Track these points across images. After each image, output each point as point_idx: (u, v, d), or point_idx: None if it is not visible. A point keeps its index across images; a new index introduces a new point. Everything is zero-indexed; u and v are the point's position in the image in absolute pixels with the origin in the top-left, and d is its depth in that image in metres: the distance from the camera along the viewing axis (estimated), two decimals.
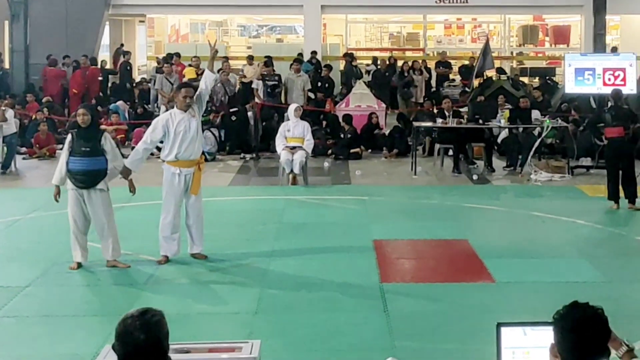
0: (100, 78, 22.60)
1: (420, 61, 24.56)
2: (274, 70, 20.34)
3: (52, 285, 8.79)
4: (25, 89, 22.03)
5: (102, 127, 17.94)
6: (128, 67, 23.18)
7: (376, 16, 29.70)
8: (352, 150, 17.16)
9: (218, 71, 19.46)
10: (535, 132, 16.01)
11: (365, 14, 29.42)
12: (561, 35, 29.96)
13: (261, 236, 10.75)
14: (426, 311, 7.91)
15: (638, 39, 25.91)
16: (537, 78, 25.42)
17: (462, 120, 15.99)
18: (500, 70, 23.99)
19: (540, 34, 30.41)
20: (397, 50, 28.86)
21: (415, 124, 17.03)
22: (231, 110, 18.04)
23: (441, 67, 24.91)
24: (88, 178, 9.10)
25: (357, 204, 12.82)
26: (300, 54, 23.72)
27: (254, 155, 17.29)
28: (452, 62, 26.12)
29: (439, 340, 7.16)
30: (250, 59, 22.71)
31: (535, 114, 16.41)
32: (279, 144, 14.42)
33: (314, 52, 23.74)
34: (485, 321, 6.42)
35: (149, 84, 21.55)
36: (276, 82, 19.61)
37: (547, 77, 24.41)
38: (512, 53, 29.36)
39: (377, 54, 27.15)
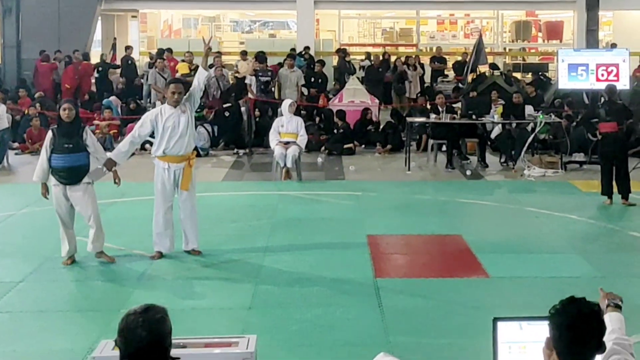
0: (96, 75, 22.52)
1: (413, 57, 24.55)
2: (267, 66, 20.32)
3: (46, 281, 8.76)
4: (18, 84, 21.98)
5: (95, 122, 17.99)
6: (129, 62, 23.08)
7: (369, 12, 29.69)
8: (345, 146, 17.16)
9: (210, 66, 19.46)
10: (529, 128, 16.03)
11: (358, 10, 29.41)
12: (554, 31, 30.00)
13: (255, 232, 10.74)
14: (420, 306, 7.91)
15: (631, 35, 25.96)
16: (530, 74, 25.44)
17: (455, 115, 15.99)
18: (494, 66, 24.01)
19: (533, 30, 30.45)
20: (390, 46, 28.85)
21: (409, 119, 17.04)
22: (224, 105, 18.02)
23: (436, 63, 24.90)
24: (72, 174, 9.08)
25: (350, 199, 12.82)
26: (293, 50, 23.69)
27: (248, 150, 17.28)
28: (446, 57, 26.12)
29: (434, 335, 7.15)
30: (243, 54, 22.68)
31: (529, 109, 16.44)
32: (273, 139, 14.41)
33: (306, 48, 23.70)
34: (480, 316, 6.47)
35: (142, 80, 21.50)
36: (269, 78, 19.58)
37: (540, 73, 24.44)
38: (504, 49, 29.38)
39: (370, 49, 27.14)
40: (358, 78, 21.69)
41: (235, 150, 17.25)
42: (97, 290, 8.58)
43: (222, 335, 5.32)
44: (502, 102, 17.36)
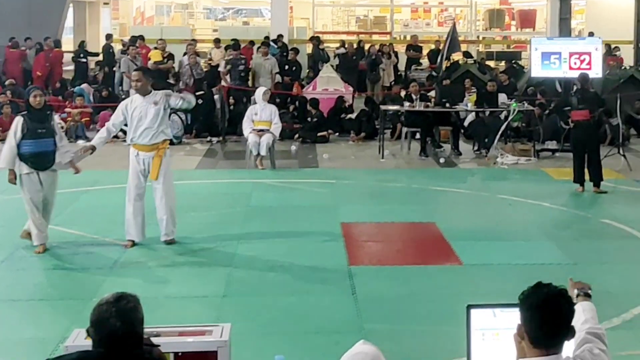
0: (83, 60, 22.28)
1: (387, 45, 24.55)
2: (241, 54, 20.20)
3: (18, 269, 8.70)
4: None
5: (67, 109, 17.84)
6: (111, 50, 22.86)
7: None
8: (319, 134, 17.13)
9: (184, 55, 19.32)
10: (502, 116, 16.08)
11: None
12: (527, 20, 30.13)
13: (229, 220, 10.71)
14: (394, 293, 7.93)
15: (603, 23, 26.09)
16: (503, 62, 25.53)
17: (429, 104, 16.01)
18: (467, 54, 24.06)
19: (506, 18, 30.56)
20: (364, 34, 28.87)
21: (383, 107, 17.03)
22: (197, 93, 17.91)
23: (412, 51, 24.91)
24: (45, 159, 9.11)
25: (324, 187, 12.81)
26: (267, 37, 23.60)
27: (221, 138, 17.20)
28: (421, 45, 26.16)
29: (407, 322, 7.18)
30: (217, 42, 22.57)
31: (502, 97, 16.49)
32: (246, 127, 14.36)
33: (280, 36, 23.63)
34: (453, 303, 6.48)
35: (114, 67, 21.32)
36: (244, 66, 19.47)
37: (513, 61, 24.52)
38: (478, 37, 29.47)
39: (344, 37, 27.12)
40: (332, 66, 21.65)
41: (209, 138, 17.17)
42: (69, 278, 8.52)
43: (196, 324, 5.29)
44: (475, 90, 17.40)
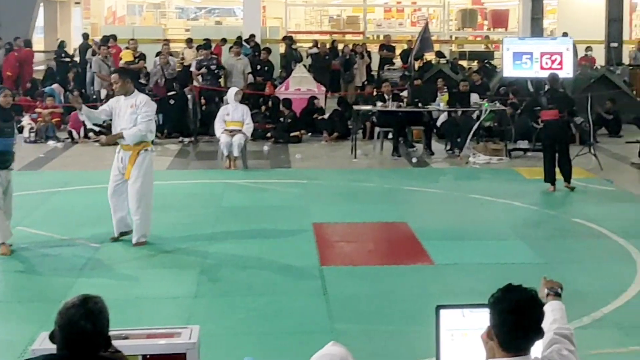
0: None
1: (361, 44, 24.57)
2: (212, 54, 20.11)
3: None
4: None
5: (37, 110, 17.69)
6: (87, 50, 22.65)
7: None
8: (292, 134, 17.09)
9: (157, 54, 19.20)
10: (474, 116, 16.12)
11: None
12: (499, 19, 30.28)
13: (200, 220, 10.65)
14: (365, 293, 7.92)
15: (575, 23, 26.26)
16: (475, 61, 25.62)
17: (401, 103, 16.02)
18: (440, 54, 24.14)
19: (479, 18, 30.70)
20: (337, 34, 28.88)
21: (356, 107, 17.03)
22: (169, 93, 17.83)
23: (384, 50, 24.95)
24: (10, 157, 9.14)
25: (296, 187, 12.79)
26: (240, 37, 23.53)
27: (193, 139, 17.12)
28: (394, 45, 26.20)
29: (379, 322, 7.17)
30: (189, 42, 22.48)
31: (474, 97, 16.53)
32: (218, 127, 14.30)
33: (252, 35, 23.58)
34: (424, 303, 6.49)
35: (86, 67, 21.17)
36: (216, 65, 19.38)
37: (486, 61, 24.63)
38: (451, 37, 29.57)
39: (317, 37, 27.11)
40: (305, 66, 21.62)
41: (181, 139, 17.07)
42: (38, 280, 8.45)
43: (165, 326, 5.25)
44: (447, 90, 17.44)
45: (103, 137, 9.53)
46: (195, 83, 18.61)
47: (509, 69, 16.73)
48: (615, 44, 22.97)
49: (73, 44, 27.80)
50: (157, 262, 9.01)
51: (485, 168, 14.65)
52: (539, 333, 3.30)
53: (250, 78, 19.90)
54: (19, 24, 23.58)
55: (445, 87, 17.95)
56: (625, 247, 9.48)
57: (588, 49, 23.54)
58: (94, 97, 18.89)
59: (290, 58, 23.12)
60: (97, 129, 16.20)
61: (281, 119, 17.56)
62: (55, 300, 7.25)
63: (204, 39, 21.67)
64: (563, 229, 10.46)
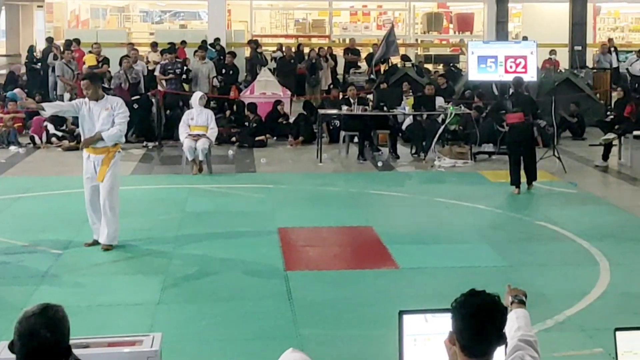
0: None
1: (326, 48, 24.56)
2: (176, 57, 19.99)
3: None
4: None
5: None
6: (52, 53, 22.39)
7: (281, 2, 29.66)
8: (257, 138, 17.03)
9: (122, 58, 19.02)
10: (439, 119, 16.16)
11: (270, 0, 29.32)
12: (465, 23, 30.43)
13: (164, 225, 10.56)
14: (330, 298, 7.89)
15: (539, 27, 26.49)
16: (441, 65, 25.74)
17: (367, 107, 16.02)
18: (405, 58, 24.20)
19: (444, 22, 30.83)
20: (303, 37, 28.86)
21: (321, 111, 17.00)
22: (132, 98, 17.69)
23: (349, 54, 24.96)
24: None
25: (262, 192, 12.73)
26: (204, 41, 23.44)
27: (157, 143, 17.00)
28: (359, 49, 26.21)
29: (343, 326, 7.15)
30: (154, 45, 22.36)
31: (439, 100, 16.57)
32: (182, 132, 14.21)
33: (217, 39, 23.50)
34: (389, 307, 6.45)
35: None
36: (181, 69, 19.25)
37: (451, 65, 24.73)
38: (416, 40, 29.67)
39: (282, 40, 27.06)
40: (270, 70, 21.58)
41: (145, 143, 16.95)
42: None
43: (126, 334, 5.19)
44: (412, 93, 17.48)
45: (84, 141, 9.41)
46: (159, 87, 18.49)
47: (474, 73, 16.81)
48: (579, 48, 23.19)
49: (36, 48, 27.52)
50: (120, 268, 8.91)
51: (450, 171, 14.68)
52: (501, 338, 3.30)
53: (216, 82, 19.81)
54: None
55: (411, 91, 17.97)
56: (588, 250, 9.53)
57: (552, 52, 23.72)
58: (58, 101, 18.71)
59: (256, 62, 23.07)
60: (59, 134, 16.07)
61: (246, 123, 17.50)
62: (16, 308, 7.15)
63: (169, 43, 21.55)
64: (527, 232, 10.50)
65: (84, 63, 19.17)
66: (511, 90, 13.68)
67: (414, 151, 16.20)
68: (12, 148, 16.25)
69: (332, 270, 8.84)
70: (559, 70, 21.56)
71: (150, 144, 16.90)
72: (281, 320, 7.30)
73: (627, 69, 23.69)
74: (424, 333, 3.65)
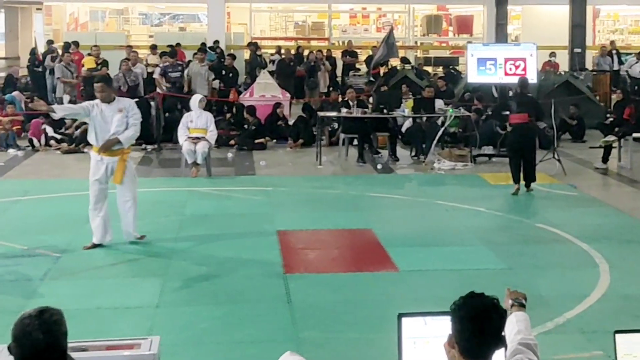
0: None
1: (324, 51, 24.55)
2: (177, 60, 19.99)
3: None
4: None
5: None
6: (53, 55, 22.41)
7: (281, 5, 29.64)
8: (256, 141, 17.01)
9: (122, 61, 19.01)
10: (439, 122, 16.15)
11: (270, 3, 29.32)
12: (464, 25, 30.44)
13: (163, 228, 10.54)
14: (330, 301, 7.87)
15: (539, 29, 26.49)
16: (440, 67, 25.73)
17: (366, 110, 16.00)
18: (405, 60, 24.19)
19: (444, 24, 30.83)
20: (302, 40, 28.84)
21: (320, 113, 16.98)
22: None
23: (348, 56, 24.95)
24: None
25: (261, 194, 12.71)
26: (204, 44, 23.44)
27: (156, 146, 16.98)
28: (358, 51, 26.21)
29: (342, 330, 7.12)
30: (153, 48, 22.35)
31: (439, 103, 16.56)
32: (182, 134, 14.19)
33: (216, 42, 23.48)
34: (389, 310, 6.45)
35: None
36: (179, 73, 19.25)
37: (451, 67, 24.72)
38: (416, 43, 29.67)
39: (282, 43, 27.05)
40: (269, 72, 21.57)
41: (144, 146, 16.92)
42: None
43: (125, 337, 5.17)
44: (412, 96, 17.46)
45: (102, 145, 9.45)
46: (158, 90, 18.48)
47: (474, 75, 16.80)
48: (579, 50, 23.19)
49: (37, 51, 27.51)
50: (119, 271, 8.91)
51: (450, 174, 14.67)
52: (499, 341, 3.28)
53: (215, 84, 19.79)
54: None
55: (410, 93, 17.95)
56: (588, 252, 9.52)
57: (552, 54, 23.72)
58: (56, 104, 18.69)
59: (255, 64, 23.06)
60: (58, 136, 16.06)
61: (245, 126, 17.48)
62: (15, 311, 7.11)
63: (168, 46, 21.54)
64: (527, 235, 10.48)
65: (82, 65, 19.15)
66: (514, 91, 13.67)
67: (413, 154, 16.18)
68: (11, 151, 16.23)
69: (332, 273, 8.82)
70: (558, 73, 21.56)
71: (149, 147, 16.87)
72: (280, 323, 7.28)
73: (626, 71, 23.71)
74: (424, 336, 3.63)
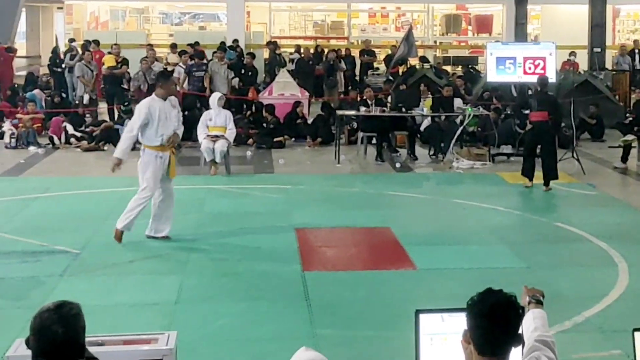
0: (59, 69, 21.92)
1: (343, 50, 24.54)
2: (201, 60, 20.02)
3: None
4: None
5: (19, 115, 17.58)
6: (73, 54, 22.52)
7: (300, 4, 29.67)
8: (275, 139, 17.03)
9: (142, 60, 19.10)
10: (458, 121, 16.11)
11: (289, 2, 29.36)
12: (484, 25, 30.35)
13: (182, 226, 10.53)
14: (347, 299, 7.87)
15: (558, 29, 26.37)
16: (460, 67, 25.66)
17: (385, 108, 16.00)
18: (424, 59, 24.15)
19: (463, 23, 30.76)
20: (322, 39, 28.86)
21: (339, 112, 16.99)
22: None
23: (365, 56, 24.93)
24: None
25: (279, 192, 12.73)
26: (223, 43, 23.49)
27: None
28: (377, 50, 26.19)
29: (360, 327, 7.13)
30: (173, 47, 22.42)
31: (458, 102, 16.52)
32: (201, 132, 14.23)
33: (235, 41, 23.53)
34: (406, 308, 6.42)
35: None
36: (204, 72, 19.29)
37: (470, 66, 24.66)
38: (435, 42, 29.63)
39: (301, 42, 27.07)
40: (289, 71, 21.59)
41: None
42: (18, 286, 8.34)
43: (142, 332, 5.19)
44: (430, 95, 17.44)
45: (172, 141, 9.62)
46: (178, 88, 18.53)
47: (493, 74, 16.74)
48: (599, 49, 23.03)
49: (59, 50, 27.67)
50: (137, 268, 8.94)
51: (468, 173, 14.63)
52: (515, 337, 3.24)
53: (234, 83, 19.84)
54: (2, 29, 23.42)
55: (429, 92, 17.91)
56: (607, 251, 9.48)
57: (571, 54, 23.59)
58: (77, 102, 18.81)
59: (274, 63, 23.09)
60: (78, 134, 16.14)
61: (264, 124, 17.51)
62: (34, 307, 7.16)
63: (188, 44, 21.61)
64: (545, 234, 10.44)
65: (102, 64, 19.25)
66: (534, 89, 13.62)
67: (432, 152, 16.15)
68: (31, 148, 16.34)
69: (350, 271, 8.83)
70: (578, 72, 21.46)
71: None
72: (298, 320, 7.29)
73: None
74: (441, 332, 3.61)
